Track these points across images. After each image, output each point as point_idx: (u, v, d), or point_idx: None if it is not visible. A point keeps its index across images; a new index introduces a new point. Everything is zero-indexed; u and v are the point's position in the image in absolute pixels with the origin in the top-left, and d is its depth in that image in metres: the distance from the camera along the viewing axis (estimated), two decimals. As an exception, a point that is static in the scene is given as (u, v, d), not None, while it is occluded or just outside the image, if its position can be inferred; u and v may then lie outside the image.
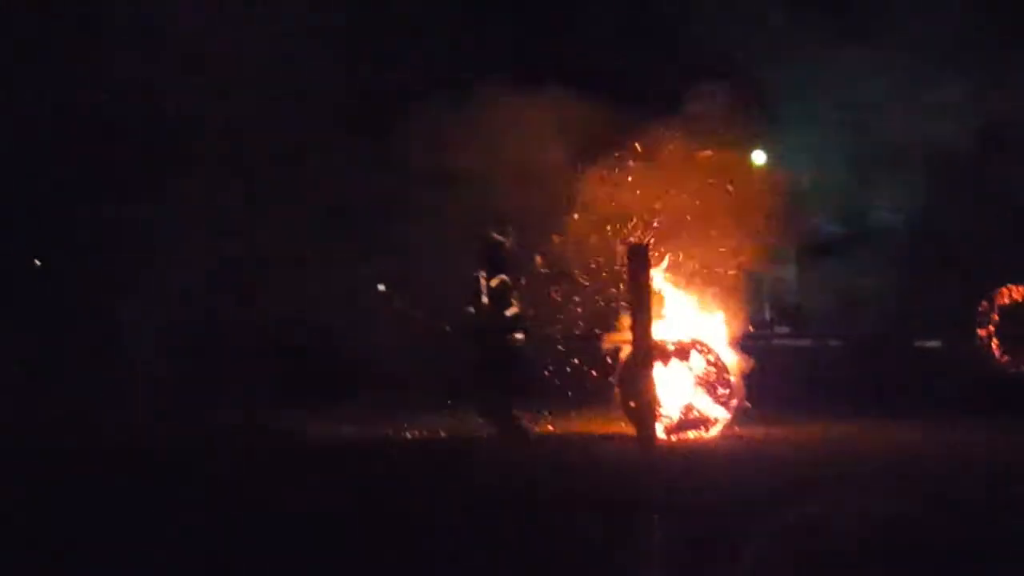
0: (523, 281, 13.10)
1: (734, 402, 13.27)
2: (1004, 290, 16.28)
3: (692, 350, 13.30)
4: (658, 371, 12.48)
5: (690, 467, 10.89)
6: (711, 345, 13.42)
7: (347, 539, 8.00)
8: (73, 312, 16.80)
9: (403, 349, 16.56)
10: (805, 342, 20.58)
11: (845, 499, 8.65)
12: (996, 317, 16.23)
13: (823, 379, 16.23)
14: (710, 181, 14.02)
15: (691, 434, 13.05)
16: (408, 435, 13.12)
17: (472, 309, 12.91)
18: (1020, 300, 16.29)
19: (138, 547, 7.70)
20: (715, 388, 13.21)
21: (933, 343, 18.21)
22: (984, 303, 16.32)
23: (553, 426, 13.74)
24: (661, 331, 13.02)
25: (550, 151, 14.48)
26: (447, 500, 9.25)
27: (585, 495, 9.39)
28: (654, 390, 12.00)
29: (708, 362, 13.24)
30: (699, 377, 13.24)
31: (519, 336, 12.76)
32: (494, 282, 12.62)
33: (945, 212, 17.04)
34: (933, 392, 14.97)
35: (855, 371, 16.90)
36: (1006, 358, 16.10)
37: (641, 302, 12.24)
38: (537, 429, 13.35)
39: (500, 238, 12.90)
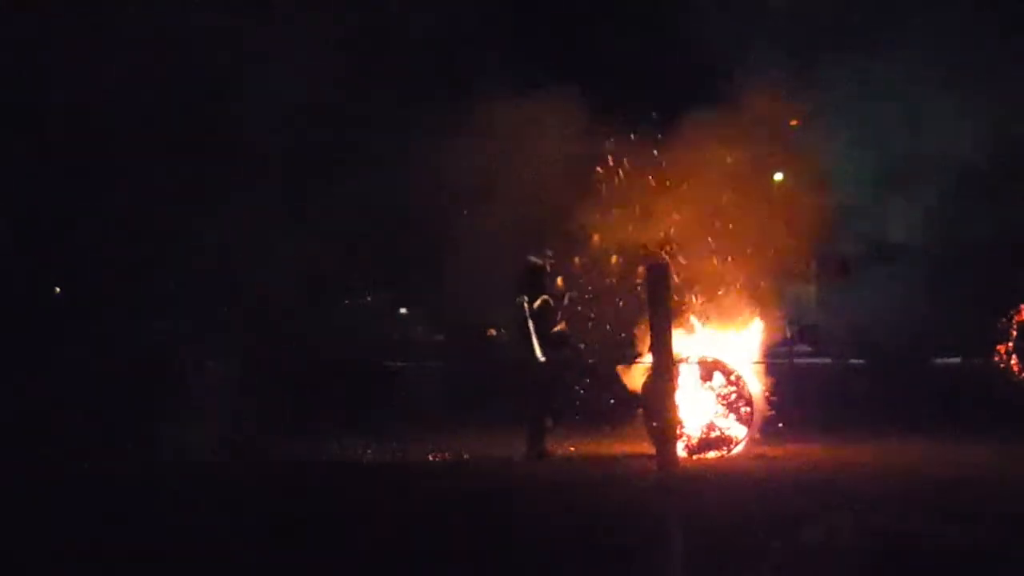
0: (565, 301, 13.26)
1: (755, 421, 13.33)
2: (1023, 306, 16.35)
3: (714, 369, 13.36)
4: (680, 390, 12.60)
5: (708, 486, 10.96)
6: (733, 364, 13.48)
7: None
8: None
9: (425, 371, 16.74)
10: (825, 360, 20.63)
11: (860, 520, 8.71)
12: (1015, 333, 16.29)
13: (844, 397, 16.28)
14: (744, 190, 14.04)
15: (712, 454, 13.11)
16: (431, 457, 13.19)
17: (494, 332, 13.09)
18: (1037, 316, 16.35)
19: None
20: (737, 407, 13.27)
21: (953, 360, 18.25)
22: (1003, 320, 16.38)
23: (574, 447, 13.80)
24: (684, 349, 13.12)
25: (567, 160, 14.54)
26: (456, 517, 9.35)
27: (600, 514, 9.50)
28: (675, 409, 12.08)
29: (730, 381, 13.30)
30: (721, 396, 13.30)
31: (540, 357, 12.91)
32: (537, 303, 12.84)
33: (964, 230, 17.10)
34: (953, 409, 15.02)
35: (876, 389, 16.95)
36: (1024, 374, 16.17)
37: (661, 321, 12.34)
38: (559, 450, 13.41)
39: (538, 260, 13.19)
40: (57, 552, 8.11)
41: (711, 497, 10.32)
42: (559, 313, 13.13)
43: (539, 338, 12.89)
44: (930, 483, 10.74)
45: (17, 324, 15.95)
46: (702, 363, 13.36)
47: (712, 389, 13.31)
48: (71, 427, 13.48)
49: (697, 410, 13.23)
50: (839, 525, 8.48)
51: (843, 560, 7.64)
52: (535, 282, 13.17)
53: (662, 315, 12.38)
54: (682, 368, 12.91)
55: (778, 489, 10.58)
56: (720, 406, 13.26)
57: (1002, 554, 7.74)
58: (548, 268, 13.40)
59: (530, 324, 12.86)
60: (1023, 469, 11.58)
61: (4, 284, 16.35)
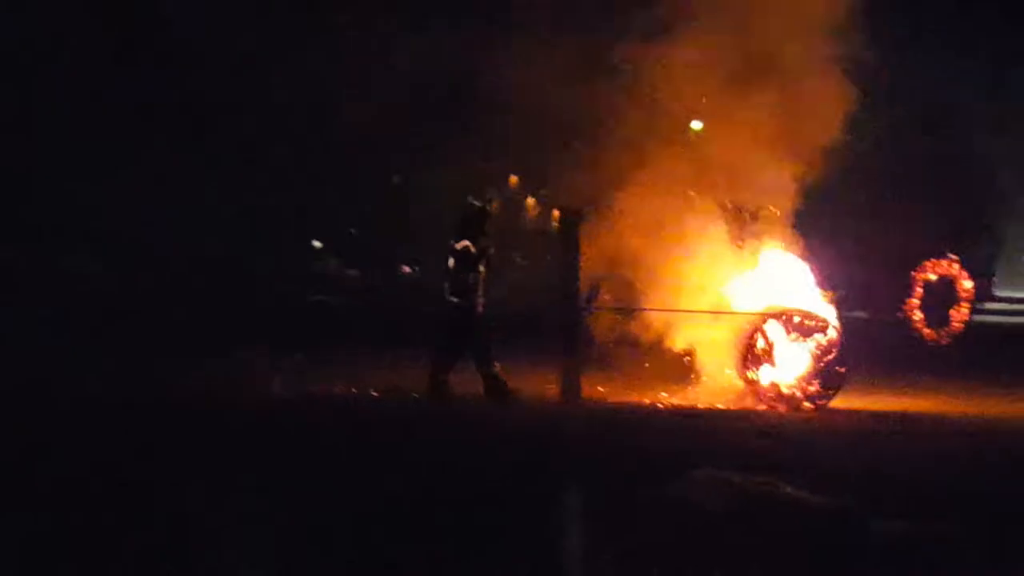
0: (492, 251, 13.04)
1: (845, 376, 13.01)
2: (927, 263, 16.67)
3: (805, 322, 13.02)
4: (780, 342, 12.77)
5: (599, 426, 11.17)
6: (827, 318, 13.18)
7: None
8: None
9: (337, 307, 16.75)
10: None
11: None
12: (919, 291, 16.62)
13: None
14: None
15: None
16: (339, 391, 13.21)
17: (408, 269, 13.13)
18: (941, 275, 16.69)
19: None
20: (826, 360, 12.88)
21: (860, 314, 18.55)
22: (909, 277, 16.70)
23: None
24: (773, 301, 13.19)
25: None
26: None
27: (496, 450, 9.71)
28: (580, 353, 12.29)
29: (818, 334, 12.94)
30: (811, 349, 12.94)
31: (457, 300, 12.91)
32: (459, 245, 12.77)
33: (872, 188, 17.37)
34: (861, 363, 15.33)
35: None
36: (927, 330, 16.52)
37: (571, 268, 12.51)
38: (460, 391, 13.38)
39: (478, 203, 13.17)
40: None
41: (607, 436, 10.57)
42: (478, 263, 12.91)
43: (450, 281, 12.82)
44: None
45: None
46: (795, 315, 13.09)
47: (802, 342, 12.96)
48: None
49: (783, 362, 12.97)
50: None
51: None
52: (472, 225, 13.00)
53: (572, 259, 12.57)
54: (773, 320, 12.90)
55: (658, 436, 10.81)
56: (808, 359, 12.90)
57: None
58: (489, 212, 13.32)
59: (450, 262, 12.81)
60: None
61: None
